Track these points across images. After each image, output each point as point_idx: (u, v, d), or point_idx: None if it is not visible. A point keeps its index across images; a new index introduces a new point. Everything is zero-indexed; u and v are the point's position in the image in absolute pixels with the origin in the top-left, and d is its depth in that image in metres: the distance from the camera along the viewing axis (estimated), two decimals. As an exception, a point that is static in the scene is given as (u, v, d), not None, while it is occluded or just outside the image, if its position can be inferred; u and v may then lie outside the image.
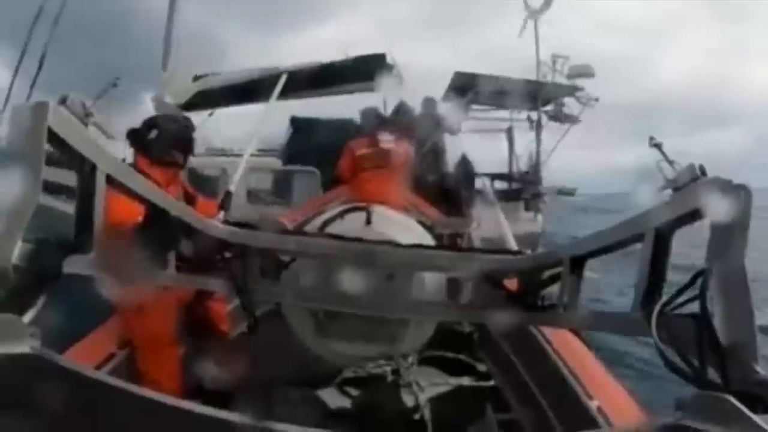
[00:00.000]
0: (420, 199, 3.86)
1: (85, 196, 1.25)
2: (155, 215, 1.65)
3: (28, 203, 1.00)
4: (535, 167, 10.45)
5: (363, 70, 6.30)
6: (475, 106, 10.93)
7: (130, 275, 1.53)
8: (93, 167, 1.24)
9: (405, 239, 2.25)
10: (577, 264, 1.61)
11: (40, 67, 7.62)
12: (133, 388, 0.91)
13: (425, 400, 2.22)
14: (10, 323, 0.89)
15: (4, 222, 0.97)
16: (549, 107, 11.24)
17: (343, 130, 6.25)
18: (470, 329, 2.72)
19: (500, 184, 10.09)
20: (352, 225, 2.43)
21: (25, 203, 1.00)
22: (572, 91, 11.15)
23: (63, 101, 1.22)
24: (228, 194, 3.90)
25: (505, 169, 10.78)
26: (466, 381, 2.37)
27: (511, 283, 2.00)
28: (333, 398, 2.32)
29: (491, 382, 2.44)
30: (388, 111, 5.53)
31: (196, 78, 6.91)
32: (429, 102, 5.89)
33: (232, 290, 2.02)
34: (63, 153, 1.16)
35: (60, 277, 1.09)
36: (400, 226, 2.55)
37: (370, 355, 2.37)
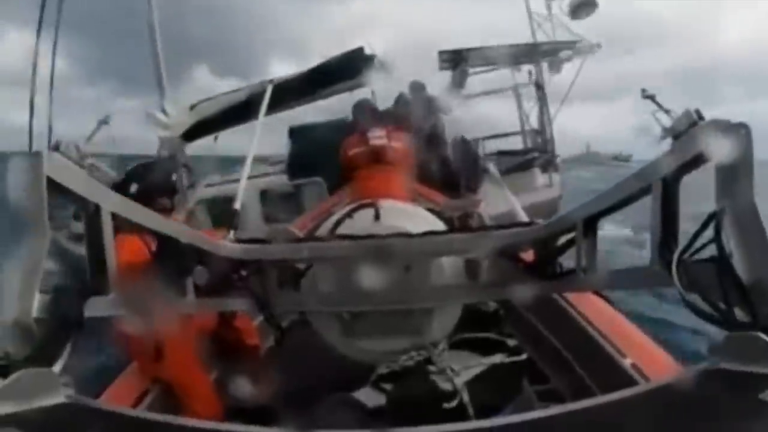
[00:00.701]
0: (425, 187, 3.84)
1: (93, 237, 1.25)
2: (166, 245, 1.66)
3: (39, 255, 1.01)
4: (542, 125, 10.34)
5: (346, 68, 6.28)
6: (472, 70, 10.75)
7: (152, 309, 1.54)
8: (97, 208, 1.25)
9: (416, 228, 2.25)
10: (590, 226, 1.60)
11: (52, 68, 7.67)
12: (175, 419, 0.92)
13: (462, 384, 2.21)
14: (40, 376, 0.90)
15: (19, 278, 0.98)
16: (549, 58, 10.95)
17: (341, 130, 6.25)
18: (495, 307, 2.71)
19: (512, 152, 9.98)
20: (361, 223, 2.43)
21: (35, 256, 1.00)
22: (570, 45, 10.82)
23: (56, 147, 1.22)
24: (235, 213, 3.90)
25: (516, 128, 10.66)
26: (499, 358, 2.36)
27: (528, 255, 1.99)
28: (370, 397, 2.33)
29: (524, 356, 2.43)
30: (378, 101, 5.51)
31: (192, 107, 6.93)
32: (416, 86, 5.84)
33: (254, 307, 2.03)
34: (64, 198, 1.17)
35: (83, 322, 1.10)
36: (410, 216, 2.54)
37: (400, 349, 2.36)
